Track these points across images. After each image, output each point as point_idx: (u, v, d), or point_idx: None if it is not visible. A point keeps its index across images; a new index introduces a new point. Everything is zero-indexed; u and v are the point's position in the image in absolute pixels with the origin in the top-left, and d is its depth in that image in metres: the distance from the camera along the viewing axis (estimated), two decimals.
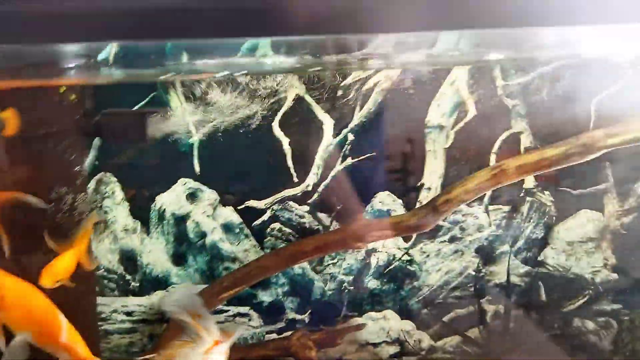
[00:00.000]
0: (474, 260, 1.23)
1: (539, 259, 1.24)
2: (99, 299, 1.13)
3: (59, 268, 0.85)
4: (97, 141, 1.06)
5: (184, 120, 1.07)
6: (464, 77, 1.13)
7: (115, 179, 1.09)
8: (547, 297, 1.25)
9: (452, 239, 1.22)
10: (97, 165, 1.08)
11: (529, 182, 1.20)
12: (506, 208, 1.22)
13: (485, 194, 1.20)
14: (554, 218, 1.22)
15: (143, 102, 1.05)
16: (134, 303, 1.15)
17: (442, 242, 1.22)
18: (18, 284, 0.75)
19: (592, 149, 0.93)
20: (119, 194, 1.10)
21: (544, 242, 1.24)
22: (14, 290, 0.75)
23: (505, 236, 1.23)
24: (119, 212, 1.11)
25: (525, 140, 1.16)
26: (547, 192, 1.21)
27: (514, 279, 1.25)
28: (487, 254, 1.24)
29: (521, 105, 1.15)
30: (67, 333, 0.73)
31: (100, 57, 0.79)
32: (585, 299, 1.25)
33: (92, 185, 1.08)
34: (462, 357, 1.27)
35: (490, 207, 1.21)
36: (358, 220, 1.08)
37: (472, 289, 1.23)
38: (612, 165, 1.19)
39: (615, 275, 1.24)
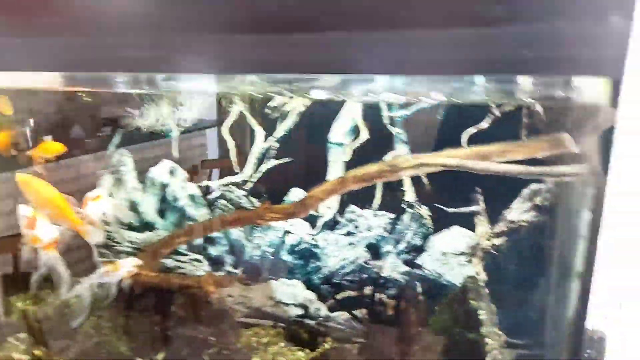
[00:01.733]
0: (364, 254, 1.53)
1: (416, 261, 1.48)
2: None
3: None
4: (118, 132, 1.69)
5: (169, 119, 1.63)
6: (359, 107, 1.45)
7: (128, 154, 1.71)
8: (423, 295, 1.48)
9: (348, 233, 1.54)
10: (118, 145, 1.71)
11: (410, 195, 1.46)
12: (391, 215, 1.49)
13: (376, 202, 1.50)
14: (430, 229, 1.45)
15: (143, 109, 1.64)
16: (135, 236, 1.74)
17: (340, 234, 1.55)
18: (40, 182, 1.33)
19: (398, 169, 1.19)
20: (131, 165, 1.71)
21: (421, 249, 1.47)
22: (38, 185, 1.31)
23: (389, 238, 1.50)
24: (130, 177, 1.71)
25: None
26: (424, 207, 1.45)
27: (396, 275, 1.51)
28: (374, 251, 1.52)
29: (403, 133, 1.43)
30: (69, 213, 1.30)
31: None
32: None
33: (115, 157, 1.71)
34: (350, 330, 1.57)
35: (378, 213, 1.50)
36: (263, 204, 1.49)
37: (360, 277, 1.53)
38: (484, 191, 1.38)
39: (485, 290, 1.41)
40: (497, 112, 1.32)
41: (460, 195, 1.41)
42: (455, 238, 1.42)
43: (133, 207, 1.74)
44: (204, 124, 1.65)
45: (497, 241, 1.39)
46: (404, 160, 1.18)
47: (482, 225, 1.39)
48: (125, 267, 1.34)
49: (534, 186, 1.33)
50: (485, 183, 1.39)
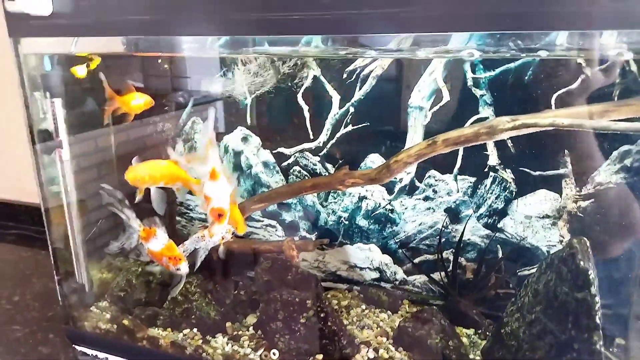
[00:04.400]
0: (442, 218, 1.53)
1: (498, 225, 1.48)
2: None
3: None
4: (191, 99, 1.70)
5: (242, 86, 1.62)
6: (440, 68, 1.43)
7: (201, 121, 1.72)
8: (503, 258, 1.48)
9: (426, 198, 1.54)
10: (190, 112, 1.71)
11: (493, 159, 1.44)
12: (472, 179, 1.48)
13: (456, 166, 1.49)
14: (513, 193, 1.44)
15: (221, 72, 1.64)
16: None
17: (417, 199, 1.55)
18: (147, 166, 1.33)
19: (496, 131, 1.18)
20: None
21: (504, 212, 1.47)
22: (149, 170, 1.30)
23: (469, 202, 1.50)
24: (201, 142, 1.73)
25: None
26: (508, 170, 1.43)
27: (475, 239, 1.51)
28: (453, 215, 1.52)
29: (487, 95, 1.40)
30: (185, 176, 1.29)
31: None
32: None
33: (188, 124, 1.73)
34: (427, 293, 1.59)
35: (459, 177, 1.49)
36: (342, 170, 1.49)
37: (439, 241, 1.54)
38: (571, 153, 1.36)
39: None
40: (588, 72, 1.28)
41: (545, 158, 1.39)
42: (540, 201, 1.41)
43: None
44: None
45: (584, 203, 1.38)
46: (503, 122, 1.17)
47: (569, 187, 1.38)
48: (220, 234, 1.34)
49: (624, 148, 1.30)
50: (571, 146, 1.37)
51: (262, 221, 1.74)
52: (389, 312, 1.53)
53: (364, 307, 1.56)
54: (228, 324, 1.50)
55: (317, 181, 1.56)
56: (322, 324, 1.30)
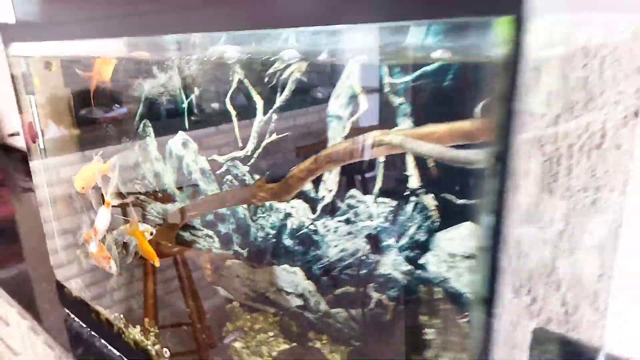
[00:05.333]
0: (364, 246, 1.30)
1: (420, 261, 1.21)
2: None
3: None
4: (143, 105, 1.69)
5: (180, 90, 1.57)
6: (357, 71, 1.21)
7: (150, 124, 1.70)
8: (428, 302, 1.21)
9: (348, 221, 1.33)
10: (142, 114, 1.70)
11: (414, 181, 1.18)
12: (393, 203, 1.23)
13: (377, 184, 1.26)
14: (436, 224, 1.17)
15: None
16: (159, 207, 1.75)
17: (339, 221, 1.34)
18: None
19: (363, 147, 0.96)
20: (152, 134, 1.70)
21: (426, 246, 1.19)
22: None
23: (391, 230, 1.25)
24: (151, 146, 1.71)
25: None
26: (431, 195, 1.16)
27: (397, 275, 1.26)
28: (374, 243, 1.29)
29: (407, 104, 1.16)
30: None
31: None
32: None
33: (140, 127, 1.72)
34: (349, 330, 1.37)
35: (379, 199, 1.25)
36: (257, 182, 1.36)
37: (360, 272, 1.31)
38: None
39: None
40: None
41: (471, 182, 1.11)
42: (464, 237, 1.13)
43: (157, 177, 1.75)
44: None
45: None
46: (366, 138, 0.95)
47: None
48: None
49: None
50: None
51: (202, 230, 1.67)
52: (294, 345, 1.35)
53: (271, 334, 1.40)
54: (146, 320, 1.59)
55: (235, 193, 1.45)
56: (200, 336, 1.23)
